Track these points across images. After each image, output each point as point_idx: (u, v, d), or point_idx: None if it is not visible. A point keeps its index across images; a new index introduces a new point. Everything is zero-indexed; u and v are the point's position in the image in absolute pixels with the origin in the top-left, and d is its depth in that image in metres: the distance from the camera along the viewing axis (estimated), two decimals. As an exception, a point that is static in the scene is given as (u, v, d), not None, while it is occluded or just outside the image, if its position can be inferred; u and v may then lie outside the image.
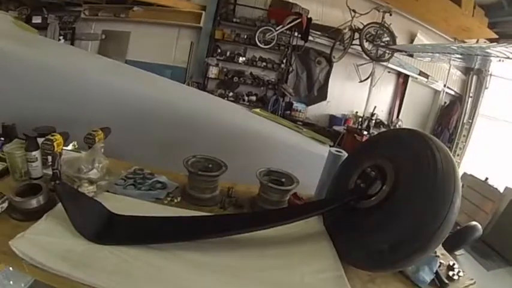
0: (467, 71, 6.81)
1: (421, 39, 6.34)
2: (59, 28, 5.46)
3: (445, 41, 6.43)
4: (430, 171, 0.93)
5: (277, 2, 5.99)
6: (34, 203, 1.01)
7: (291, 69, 6.40)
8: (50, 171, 1.17)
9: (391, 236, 0.93)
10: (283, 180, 1.40)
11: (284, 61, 6.28)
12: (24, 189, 1.04)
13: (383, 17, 5.64)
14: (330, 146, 2.52)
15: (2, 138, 1.38)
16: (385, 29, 5.67)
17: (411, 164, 0.99)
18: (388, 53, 5.97)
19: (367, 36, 5.79)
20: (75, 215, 0.99)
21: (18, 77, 1.66)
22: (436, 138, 1.04)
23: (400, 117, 7.07)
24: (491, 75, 6.43)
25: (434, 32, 6.51)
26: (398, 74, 6.94)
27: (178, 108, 2.07)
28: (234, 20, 6.08)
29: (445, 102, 7.16)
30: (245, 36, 6.12)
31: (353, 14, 5.65)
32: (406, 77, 6.92)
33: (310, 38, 6.03)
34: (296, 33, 5.98)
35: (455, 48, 4.44)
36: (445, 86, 6.95)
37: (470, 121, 6.81)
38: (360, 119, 6.36)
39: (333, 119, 6.81)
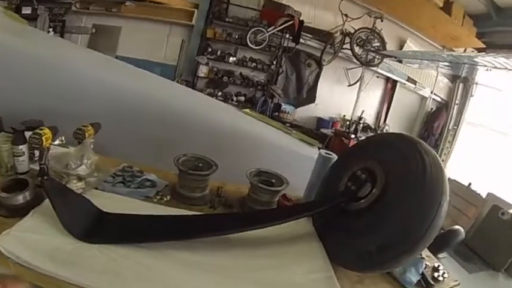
0: (454, 78, 6.99)
1: (411, 45, 6.48)
2: (49, 20, 5.33)
3: (434, 49, 6.59)
4: (419, 174, 0.94)
5: (270, 3, 6.02)
6: (20, 198, 0.98)
7: (280, 70, 6.43)
8: (37, 166, 1.14)
9: (380, 238, 0.94)
10: (273, 181, 1.40)
11: (274, 62, 6.31)
12: (9, 184, 1.01)
13: (374, 23, 5.74)
14: (319, 149, 2.54)
15: (-12, 132, 1.34)
16: (375, 35, 5.77)
17: (401, 167, 1.01)
18: (378, 58, 6.08)
19: (358, 40, 5.88)
20: (63, 212, 0.96)
21: (6, 68, 1.61)
22: (424, 142, 1.06)
23: (387, 121, 7.20)
24: (477, 83, 6.62)
25: (423, 40, 6.66)
26: (387, 79, 7.06)
27: (169, 106, 2.04)
28: (227, 19, 6.08)
29: (432, 109, 7.33)
30: (236, 36, 6.13)
31: (345, 18, 5.75)
32: (395, 82, 7.05)
33: (301, 40, 6.08)
34: (288, 35, 6.00)
35: (444, 56, 4.55)
36: (432, 92, 7.11)
37: (456, 127, 6.99)
38: (348, 123, 6.45)
39: (320, 122, 6.88)
